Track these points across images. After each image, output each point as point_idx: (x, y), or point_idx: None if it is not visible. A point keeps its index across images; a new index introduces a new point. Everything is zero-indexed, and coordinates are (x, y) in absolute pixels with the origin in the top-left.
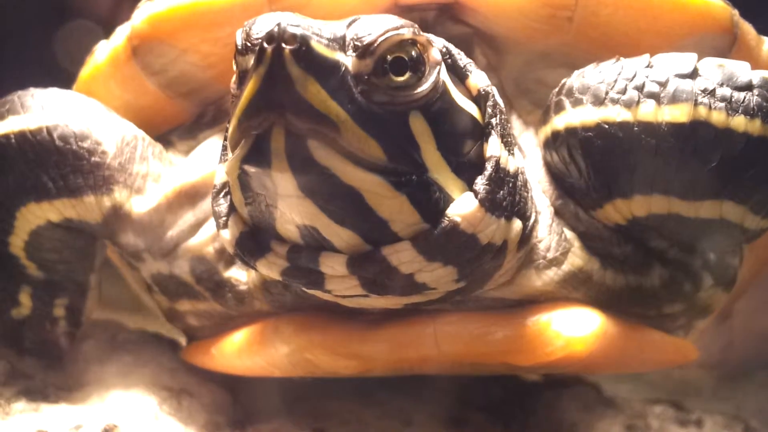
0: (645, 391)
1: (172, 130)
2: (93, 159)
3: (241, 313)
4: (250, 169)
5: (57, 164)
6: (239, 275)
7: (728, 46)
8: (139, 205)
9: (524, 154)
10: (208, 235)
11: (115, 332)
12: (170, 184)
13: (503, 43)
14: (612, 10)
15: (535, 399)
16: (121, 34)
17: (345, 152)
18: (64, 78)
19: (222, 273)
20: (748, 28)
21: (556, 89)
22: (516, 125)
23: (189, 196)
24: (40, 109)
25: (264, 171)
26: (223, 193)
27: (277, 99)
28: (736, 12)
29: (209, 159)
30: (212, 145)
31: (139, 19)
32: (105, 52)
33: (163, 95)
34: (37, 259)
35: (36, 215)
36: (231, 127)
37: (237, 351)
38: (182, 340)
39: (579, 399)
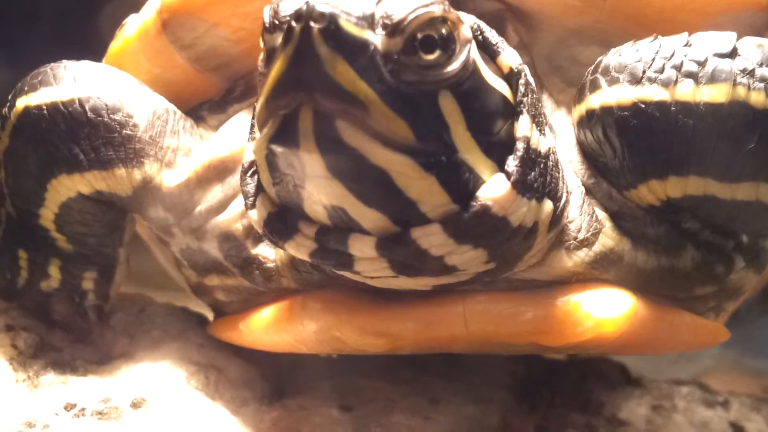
0: (667, 372)
1: (202, 105)
2: (124, 132)
3: (268, 290)
4: (278, 149)
5: (89, 136)
6: (267, 252)
7: (766, 24)
8: (169, 178)
9: (555, 133)
10: (236, 211)
11: (144, 306)
12: (200, 159)
13: (536, 19)
14: None
15: (561, 378)
16: (151, 7)
17: (373, 132)
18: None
19: (250, 250)
20: None
21: (591, 67)
22: (547, 104)
23: (218, 171)
24: (72, 81)
25: (292, 151)
26: (251, 172)
27: (306, 79)
28: None
29: (238, 134)
30: (242, 120)
31: None
32: (135, 25)
33: (193, 69)
34: (66, 231)
35: (67, 187)
36: (258, 106)
37: (265, 327)
38: (209, 315)
39: (606, 378)
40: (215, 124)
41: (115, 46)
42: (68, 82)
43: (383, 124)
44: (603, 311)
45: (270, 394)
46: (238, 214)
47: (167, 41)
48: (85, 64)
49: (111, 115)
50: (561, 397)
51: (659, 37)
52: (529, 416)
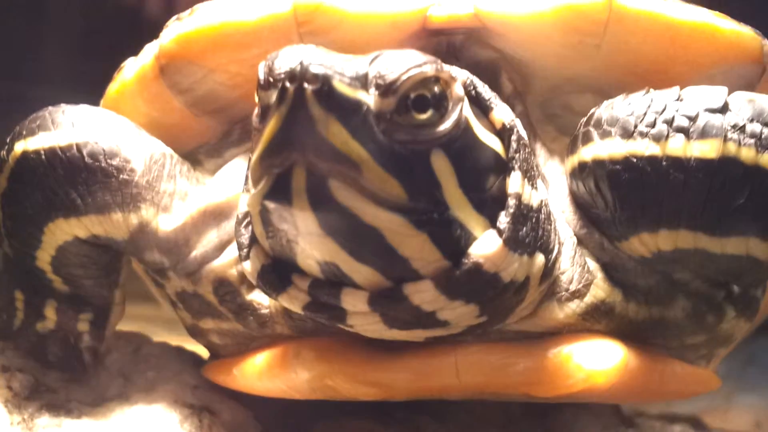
0: (662, 406)
1: (199, 148)
2: (121, 176)
3: (263, 335)
4: (271, 206)
5: (86, 181)
6: (261, 299)
7: (758, 75)
8: (165, 223)
9: (548, 183)
10: (231, 257)
11: (139, 345)
12: (196, 204)
13: (530, 68)
14: (641, 39)
15: (554, 418)
16: (149, 52)
17: (366, 192)
18: None
19: (244, 296)
20: None
21: (584, 119)
22: (540, 153)
23: (214, 216)
24: (71, 126)
25: (285, 208)
26: (245, 223)
27: (299, 139)
28: (766, 42)
29: (234, 179)
30: (238, 165)
31: (167, 38)
32: (133, 69)
33: (190, 113)
34: (63, 273)
35: (64, 231)
36: (252, 162)
37: (258, 373)
38: (205, 354)
39: (598, 418)
40: (212, 168)
41: (113, 89)
42: (66, 127)
43: (376, 184)
44: (594, 363)
45: None
46: (233, 260)
47: (165, 86)
48: (83, 109)
49: (108, 160)
50: None
51: (651, 90)
52: None
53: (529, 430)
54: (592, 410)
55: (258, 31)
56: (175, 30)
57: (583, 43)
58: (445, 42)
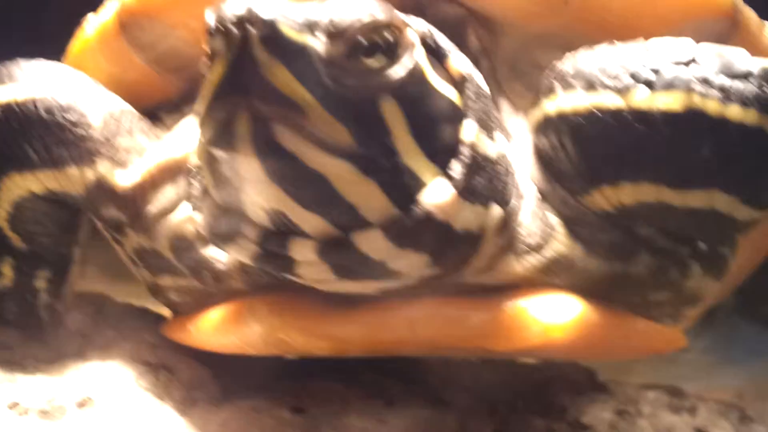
0: (642, 374)
1: (160, 106)
2: (77, 131)
3: (219, 291)
4: (217, 153)
5: (41, 135)
6: (217, 254)
7: (728, 31)
8: (122, 178)
9: (512, 138)
10: (188, 212)
11: (101, 305)
12: (153, 160)
13: (498, 24)
14: None
15: (524, 382)
16: (111, 8)
17: (312, 137)
18: None
19: (201, 251)
20: (750, 14)
21: (549, 72)
22: (506, 109)
23: (171, 172)
24: (26, 80)
25: (230, 155)
26: (197, 176)
27: (243, 83)
28: None
29: (192, 135)
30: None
31: None
32: (94, 26)
33: (152, 70)
34: (20, 230)
35: (18, 186)
36: (199, 109)
37: (212, 328)
38: (168, 315)
39: (570, 383)
40: (172, 125)
41: (75, 46)
42: (22, 82)
43: (322, 129)
44: (551, 317)
45: (222, 395)
46: (189, 216)
47: (126, 42)
48: (40, 64)
49: (64, 115)
50: (523, 401)
51: (617, 43)
52: (488, 419)
53: (497, 394)
54: (564, 375)
55: None
56: None
57: None
58: None
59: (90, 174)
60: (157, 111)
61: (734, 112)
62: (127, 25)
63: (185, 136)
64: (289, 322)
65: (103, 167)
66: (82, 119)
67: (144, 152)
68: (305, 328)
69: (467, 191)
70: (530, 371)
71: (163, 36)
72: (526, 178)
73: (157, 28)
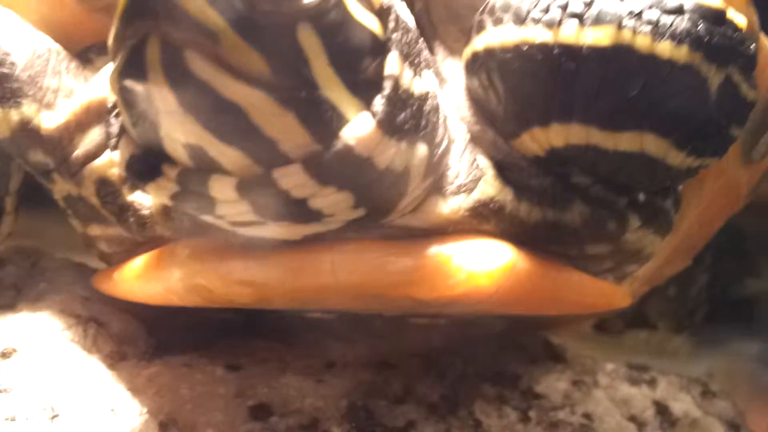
0: (615, 355)
1: (91, 47)
2: (1, 70)
3: (146, 239)
4: (129, 83)
5: None
6: (142, 199)
7: None
8: (48, 120)
9: (446, 80)
10: (111, 155)
11: (37, 260)
12: (79, 100)
13: None
14: None
15: (477, 349)
16: None
17: (225, 64)
18: None
19: (125, 196)
20: None
21: (481, 8)
22: (439, 52)
23: (97, 114)
24: None
25: (142, 85)
26: (115, 112)
27: (152, 6)
28: None
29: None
30: None
31: None
32: None
33: (81, 9)
34: None
35: None
36: (110, 37)
37: (136, 276)
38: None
39: (526, 351)
40: (102, 67)
41: None
42: None
43: (235, 56)
44: (477, 264)
45: (156, 351)
46: (112, 158)
47: None
48: None
49: None
50: (474, 368)
51: None
52: (436, 385)
53: (447, 360)
54: (519, 344)
55: None
56: None
57: None
58: None
59: (15, 115)
60: (88, 52)
61: (664, 48)
62: None
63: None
64: (209, 266)
65: (29, 108)
66: (6, 57)
67: (72, 93)
68: (225, 273)
69: (390, 126)
70: (484, 339)
71: None
72: (456, 120)
73: None
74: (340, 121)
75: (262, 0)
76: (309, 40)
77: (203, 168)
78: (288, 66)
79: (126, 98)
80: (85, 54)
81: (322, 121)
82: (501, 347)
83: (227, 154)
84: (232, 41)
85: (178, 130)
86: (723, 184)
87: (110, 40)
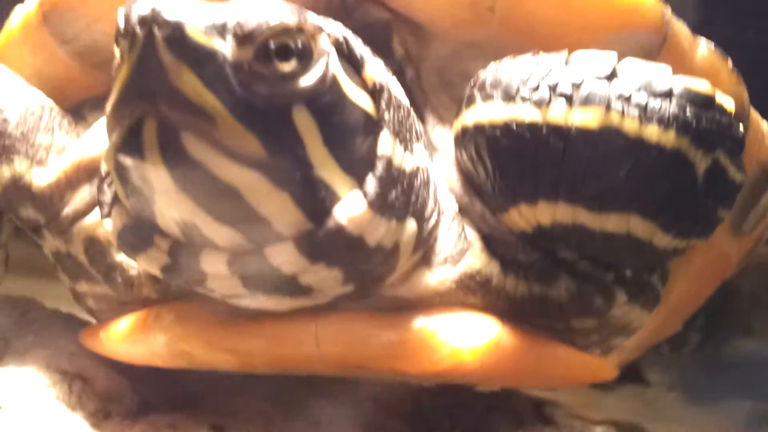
0: (607, 411)
1: (84, 102)
2: None
3: (132, 300)
4: (125, 160)
5: None
6: (130, 260)
7: (658, 45)
8: (39, 177)
9: (437, 150)
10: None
11: (27, 309)
12: (70, 158)
13: (426, 30)
14: (536, 3)
15: (466, 410)
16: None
17: (221, 146)
18: None
19: (113, 256)
20: (680, 28)
21: (471, 81)
22: (430, 120)
23: (87, 172)
24: None
25: (138, 162)
26: (108, 181)
27: (150, 88)
28: (668, 10)
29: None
30: None
31: None
32: (19, 16)
33: (75, 64)
34: None
35: None
36: (107, 113)
37: (121, 337)
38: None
39: (514, 414)
40: (94, 123)
41: (1, 38)
42: None
43: (231, 138)
44: (462, 339)
45: (138, 409)
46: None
47: (48, 34)
48: None
49: None
50: (462, 429)
51: (541, 53)
52: None
53: (435, 422)
54: (508, 405)
55: None
56: None
57: (477, 4)
58: None
59: (6, 171)
60: (82, 108)
61: (652, 132)
62: (49, 17)
63: (102, 134)
64: (193, 332)
65: (20, 165)
66: None
67: (64, 150)
68: (208, 340)
69: (381, 205)
70: (473, 399)
71: (86, 29)
72: (446, 191)
73: (80, 21)
74: (332, 199)
75: (259, 83)
76: (304, 122)
77: (194, 242)
78: (283, 148)
79: (121, 173)
80: (79, 110)
81: (316, 200)
82: (489, 408)
83: (220, 232)
84: (228, 124)
85: (172, 208)
86: (713, 255)
87: (107, 116)
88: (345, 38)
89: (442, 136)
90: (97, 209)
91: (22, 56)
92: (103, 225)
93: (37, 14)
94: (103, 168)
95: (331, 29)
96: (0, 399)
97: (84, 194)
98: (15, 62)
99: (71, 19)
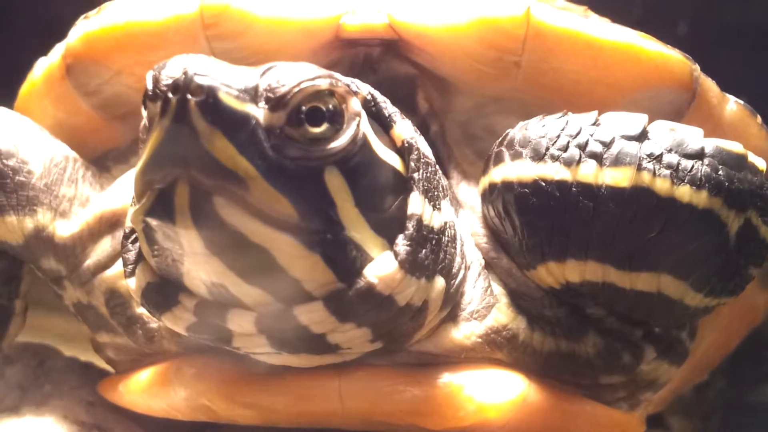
0: None
1: (108, 154)
2: (17, 178)
3: (152, 351)
4: (154, 223)
5: None
6: None
7: (686, 102)
8: (62, 229)
9: (462, 204)
10: (122, 268)
11: (44, 358)
12: (92, 210)
13: (451, 84)
14: (562, 58)
15: None
16: (57, 51)
17: (253, 210)
18: None
19: (134, 308)
20: (709, 85)
21: (499, 139)
22: (454, 175)
23: (109, 224)
24: None
25: (168, 226)
26: (132, 238)
27: (182, 153)
28: (696, 67)
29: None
30: None
31: (74, 37)
32: (41, 69)
33: (98, 116)
34: None
35: None
36: (135, 176)
37: (140, 390)
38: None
39: None
40: (119, 175)
41: (24, 89)
42: None
43: (264, 202)
44: (487, 396)
45: None
46: (123, 271)
47: (71, 87)
48: None
49: (4, 161)
50: None
51: (569, 113)
52: None
53: None
54: None
55: (163, 32)
56: (82, 29)
57: (502, 59)
58: (363, 54)
59: (29, 223)
60: (106, 159)
61: (684, 192)
62: (72, 69)
63: (125, 187)
64: (214, 387)
65: (43, 217)
66: (23, 166)
67: (87, 202)
68: (229, 395)
69: (412, 265)
70: None
71: (109, 81)
72: (472, 246)
73: (103, 73)
74: (363, 259)
75: (291, 147)
76: (336, 184)
77: (222, 302)
78: (315, 210)
79: (149, 234)
80: (103, 161)
81: (347, 260)
82: None
83: (250, 293)
84: (261, 188)
85: (201, 270)
86: (741, 308)
87: (135, 178)
88: (373, 97)
89: (467, 191)
90: (119, 261)
91: (45, 108)
92: (124, 278)
93: (60, 67)
94: (127, 225)
95: (358, 88)
96: None
97: (106, 246)
98: (38, 114)
99: (94, 72)
